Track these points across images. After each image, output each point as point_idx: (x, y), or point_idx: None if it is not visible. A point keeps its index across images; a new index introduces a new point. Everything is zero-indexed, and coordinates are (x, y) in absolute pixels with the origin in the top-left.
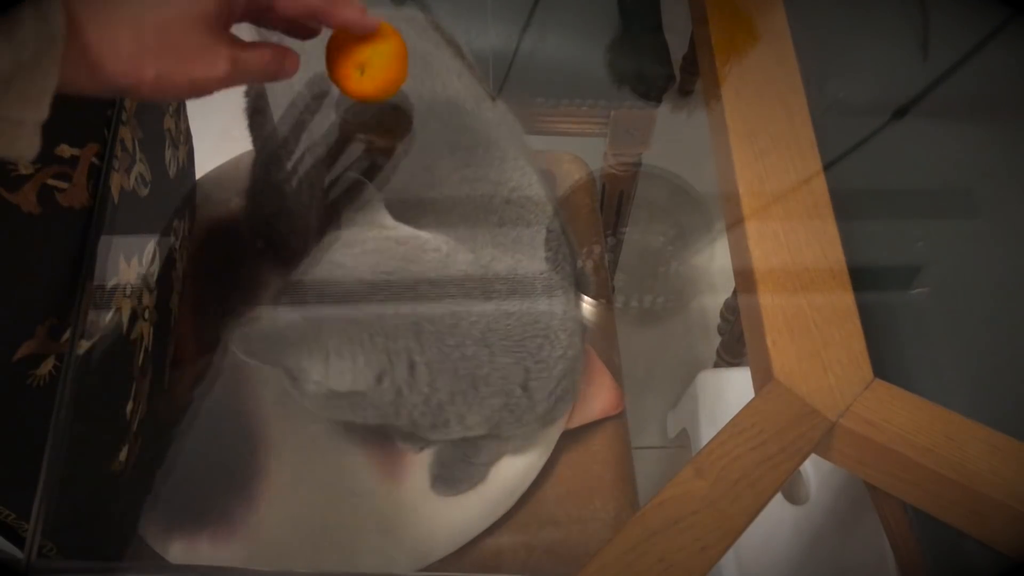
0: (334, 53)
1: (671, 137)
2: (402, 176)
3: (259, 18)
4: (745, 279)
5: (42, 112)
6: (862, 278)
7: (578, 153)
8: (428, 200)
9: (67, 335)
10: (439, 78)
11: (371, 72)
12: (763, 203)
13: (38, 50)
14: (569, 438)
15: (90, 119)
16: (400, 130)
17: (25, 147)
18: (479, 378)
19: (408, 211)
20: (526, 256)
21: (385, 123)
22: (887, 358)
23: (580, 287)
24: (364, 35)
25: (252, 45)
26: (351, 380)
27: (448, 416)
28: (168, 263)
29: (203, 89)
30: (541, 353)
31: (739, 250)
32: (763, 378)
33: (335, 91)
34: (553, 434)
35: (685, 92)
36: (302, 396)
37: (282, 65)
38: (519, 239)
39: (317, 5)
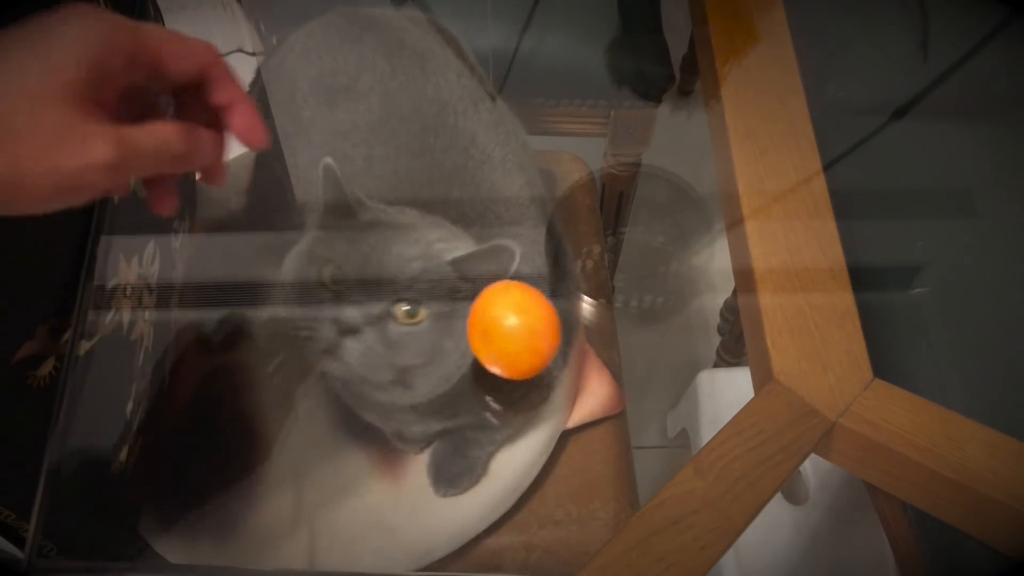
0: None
1: (671, 137)
2: (374, 177)
3: (146, 95)
4: (745, 279)
5: None
6: (862, 278)
7: (578, 153)
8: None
9: (67, 336)
10: (431, 78)
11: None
12: (763, 203)
13: None
14: (569, 438)
15: None
16: None
17: None
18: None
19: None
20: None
21: None
22: (887, 358)
23: (579, 287)
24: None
25: (145, 124)
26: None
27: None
28: (168, 263)
29: (77, 184)
30: None
31: (739, 250)
32: (763, 378)
33: (337, 87)
34: (553, 434)
35: (685, 92)
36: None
37: (194, 147)
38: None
39: (206, 65)
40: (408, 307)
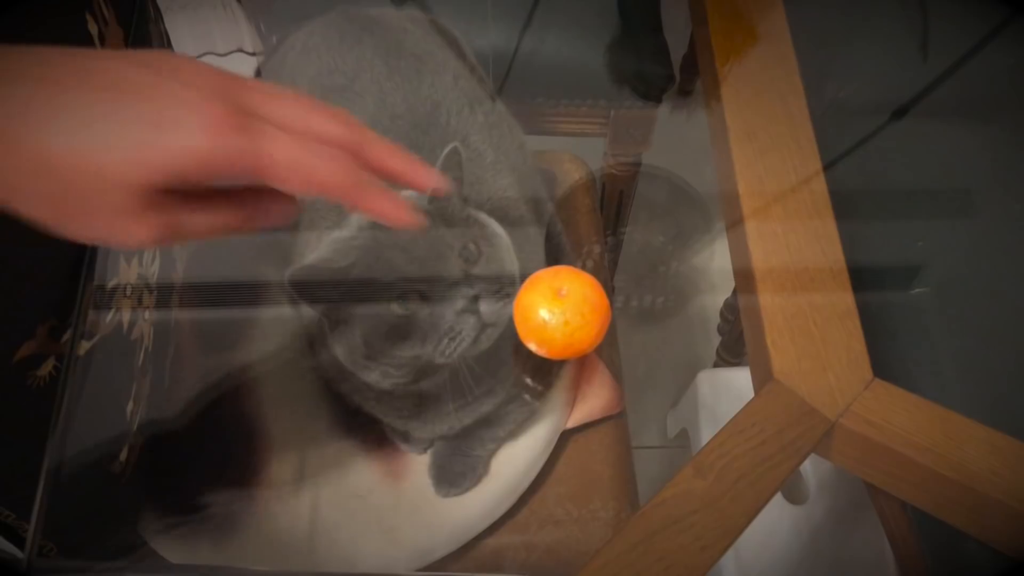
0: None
1: (671, 137)
2: None
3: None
4: (745, 279)
5: None
6: (862, 278)
7: (578, 153)
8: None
9: (68, 335)
10: (427, 79)
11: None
12: (763, 203)
13: None
14: (569, 438)
15: None
16: None
17: None
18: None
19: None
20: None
21: None
22: (887, 358)
23: None
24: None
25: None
26: None
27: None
28: (168, 263)
29: (112, 244)
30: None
31: (739, 250)
32: (763, 378)
33: (334, 86)
34: (553, 434)
35: (685, 92)
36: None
37: (254, 219)
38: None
39: (340, 183)
40: (466, 256)
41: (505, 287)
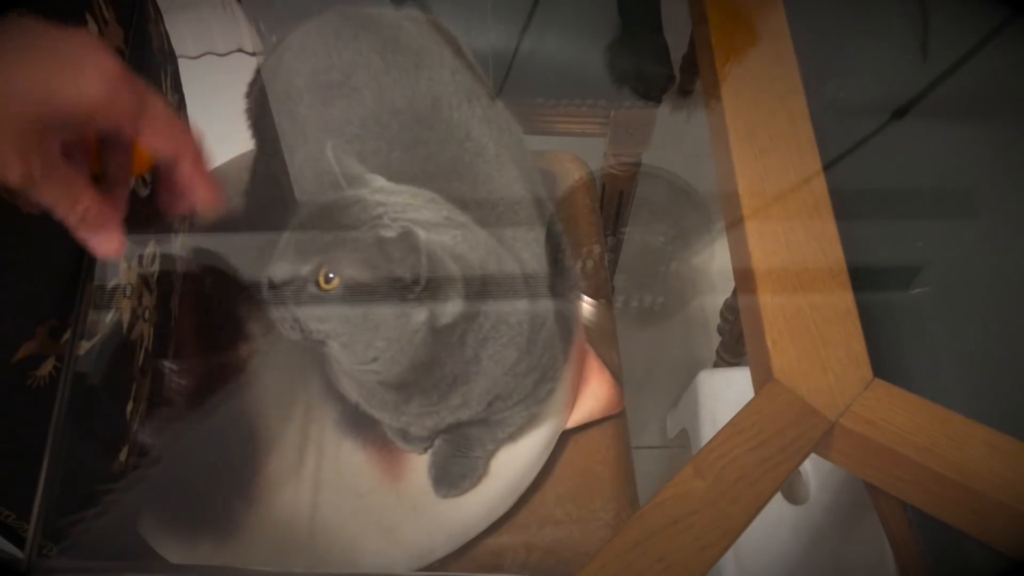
0: None
1: (671, 137)
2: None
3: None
4: (745, 279)
5: None
6: (862, 278)
7: (578, 153)
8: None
9: (67, 336)
10: (425, 74)
11: None
12: (763, 203)
13: None
14: (569, 438)
15: None
16: None
17: None
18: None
19: None
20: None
21: None
22: (887, 358)
23: (579, 287)
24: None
25: (64, 178)
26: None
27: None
28: (168, 263)
29: None
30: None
31: (739, 250)
32: (763, 378)
33: (331, 83)
34: (553, 434)
35: (685, 92)
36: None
37: (78, 213)
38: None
39: (181, 152)
40: (331, 273)
41: (318, 328)
